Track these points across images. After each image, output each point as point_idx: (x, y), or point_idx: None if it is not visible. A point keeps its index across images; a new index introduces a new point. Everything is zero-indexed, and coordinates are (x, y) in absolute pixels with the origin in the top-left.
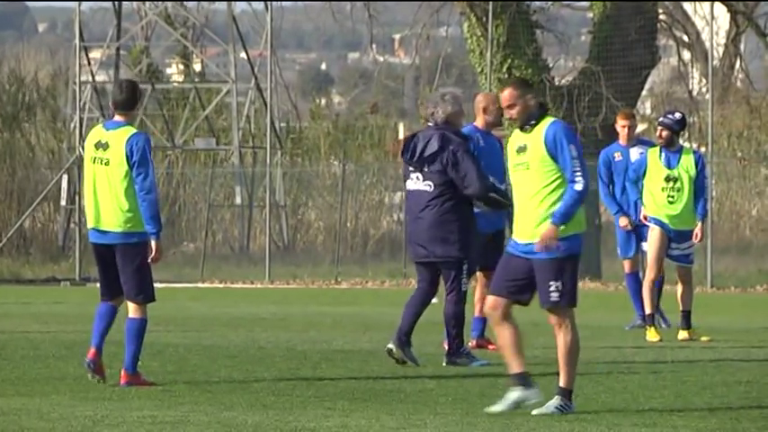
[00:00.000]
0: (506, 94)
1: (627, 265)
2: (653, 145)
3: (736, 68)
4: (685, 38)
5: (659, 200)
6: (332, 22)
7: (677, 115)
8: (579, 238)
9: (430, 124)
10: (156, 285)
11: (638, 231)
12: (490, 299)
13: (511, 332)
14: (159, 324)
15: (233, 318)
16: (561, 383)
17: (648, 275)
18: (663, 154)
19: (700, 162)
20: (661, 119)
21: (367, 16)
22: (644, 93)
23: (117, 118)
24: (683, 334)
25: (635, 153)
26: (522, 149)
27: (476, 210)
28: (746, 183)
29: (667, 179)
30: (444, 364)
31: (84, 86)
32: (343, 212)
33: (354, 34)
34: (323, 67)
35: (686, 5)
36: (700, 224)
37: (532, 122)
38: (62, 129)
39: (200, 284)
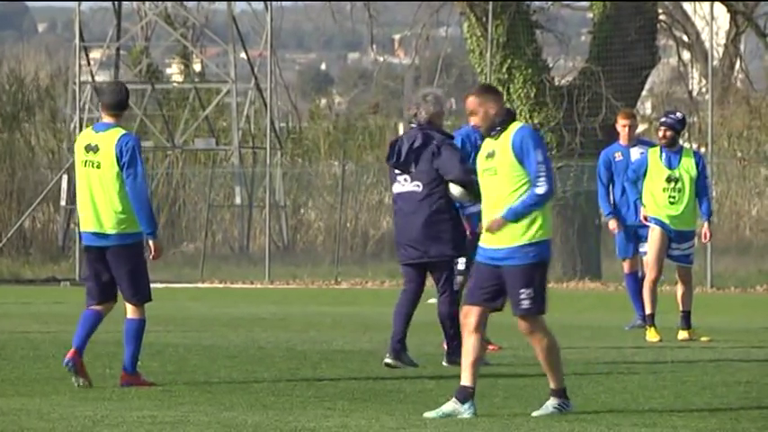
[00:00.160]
0: (468, 101)
1: (626, 265)
2: (653, 145)
3: (735, 69)
4: (685, 38)
5: (660, 200)
6: (332, 22)
7: (678, 115)
8: (548, 243)
9: (413, 125)
10: (156, 285)
11: (637, 233)
12: (465, 308)
13: (476, 345)
14: (159, 324)
15: (233, 318)
16: (552, 385)
17: (649, 276)
18: (663, 154)
19: (700, 163)
20: (663, 119)
21: (367, 16)
22: (644, 93)
23: (106, 120)
24: (683, 334)
25: (635, 153)
26: (490, 155)
27: (456, 204)
28: (746, 183)
29: (668, 179)
30: (444, 364)
31: (83, 86)
32: (342, 213)
33: (354, 34)
34: (323, 67)
35: (686, 5)
36: (706, 224)
37: (498, 129)
38: (62, 129)
39: (199, 285)
